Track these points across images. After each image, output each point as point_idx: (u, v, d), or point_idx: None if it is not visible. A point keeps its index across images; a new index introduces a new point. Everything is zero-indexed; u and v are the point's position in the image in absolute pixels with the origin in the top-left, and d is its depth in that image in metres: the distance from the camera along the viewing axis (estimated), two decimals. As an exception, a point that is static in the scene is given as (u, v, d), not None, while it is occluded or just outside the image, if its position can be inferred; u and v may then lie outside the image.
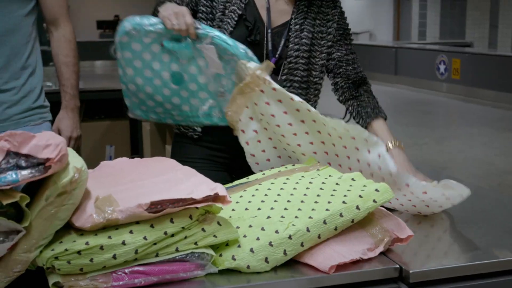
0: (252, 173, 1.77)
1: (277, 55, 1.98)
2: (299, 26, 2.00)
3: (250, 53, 1.79)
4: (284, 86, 1.95)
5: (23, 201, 1.19)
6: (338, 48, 2.05)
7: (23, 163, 1.19)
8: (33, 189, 1.26)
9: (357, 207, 1.40)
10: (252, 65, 1.73)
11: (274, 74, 1.98)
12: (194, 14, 2.01)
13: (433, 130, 8.58)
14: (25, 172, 1.18)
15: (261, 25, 2.00)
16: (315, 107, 2.05)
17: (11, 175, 1.17)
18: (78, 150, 2.30)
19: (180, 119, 1.97)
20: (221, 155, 2.06)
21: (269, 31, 1.99)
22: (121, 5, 16.53)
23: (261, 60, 1.93)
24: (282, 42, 1.99)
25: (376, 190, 1.45)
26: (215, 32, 1.80)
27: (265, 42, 1.99)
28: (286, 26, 2.01)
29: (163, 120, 2.00)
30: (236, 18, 1.98)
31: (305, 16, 2.01)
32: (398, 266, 1.37)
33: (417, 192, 1.63)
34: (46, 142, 1.20)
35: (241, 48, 1.79)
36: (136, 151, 4.49)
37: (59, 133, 2.25)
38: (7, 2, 2.09)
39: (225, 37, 1.81)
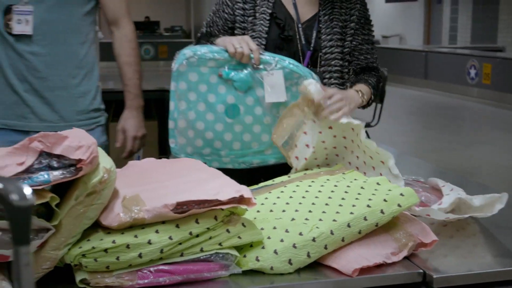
0: (279, 175, 1.79)
1: (311, 48, 2.01)
2: (328, 17, 2.04)
3: (314, 74, 1.85)
4: (323, 78, 1.98)
5: (53, 201, 1.22)
6: (355, 37, 2.07)
7: (55, 163, 1.22)
8: (63, 187, 1.29)
9: (382, 211, 1.41)
10: (311, 86, 1.75)
11: (312, 67, 2.02)
12: (232, 32, 2.06)
13: (462, 136, 8.50)
14: (56, 173, 1.21)
15: (291, 21, 2.04)
16: None
17: (43, 176, 1.20)
18: (140, 148, 2.34)
19: (227, 161, 1.93)
20: None
21: (300, 25, 2.03)
22: (152, 6, 16.72)
23: (296, 54, 1.99)
24: (314, 34, 2.03)
25: (401, 194, 1.45)
26: (279, 56, 1.84)
27: (297, 36, 2.02)
28: (315, 19, 2.05)
29: (208, 164, 1.94)
30: (268, 18, 2.03)
31: (332, 6, 2.05)
32: (421, 271, 1.37)
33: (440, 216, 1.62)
34: (78, 144, 1.23)
35: (306, 70, 1.85)
36: (164, 152, 4.52)
37: (125, 133, 2.28)
38: (69, 1, 2.14)
39: (288, 59, 1.85)
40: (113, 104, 4.31)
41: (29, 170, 1.22)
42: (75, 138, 1.26)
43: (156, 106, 4.67)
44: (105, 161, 1.31)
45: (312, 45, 2.03)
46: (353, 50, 2.07)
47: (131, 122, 2.28)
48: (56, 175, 1.21)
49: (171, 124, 1.90)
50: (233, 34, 2.04)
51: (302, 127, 1.80)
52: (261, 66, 1.84)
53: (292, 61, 1.86)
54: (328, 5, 2.05)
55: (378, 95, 2.32)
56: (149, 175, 1.51)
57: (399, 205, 1.43)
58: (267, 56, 1.85)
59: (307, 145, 1.78)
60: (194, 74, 1.84)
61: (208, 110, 1.86)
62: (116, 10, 2.27)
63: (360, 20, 2.08)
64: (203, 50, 1.84)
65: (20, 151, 1.26)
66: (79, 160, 1.22)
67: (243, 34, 2.03)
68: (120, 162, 1.73)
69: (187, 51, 1.84)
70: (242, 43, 1.82)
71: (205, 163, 1.89)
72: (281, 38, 2.03)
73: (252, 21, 2.03)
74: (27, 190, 0.66)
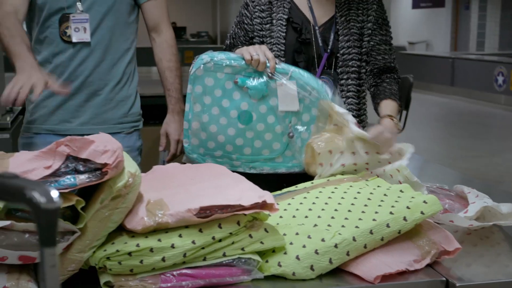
0: (302, 180, 1.79)
1: (328, 50, 2.03)
2: (345, 18, 2.05)
3: (326, 87, 1.87)
4: (341, 79, 2.00)
5: (79, 205, 1.25)
6: (372, 37, 2.07)
7: (81, 167, 1.24)
8: (88, 190, 1.31)
9: (404, 218, 1.41)
10: (339, 108, 1.79)
11: (329, 68, 2.04)
12: (254, 43, 2.09)
13: (489, 143, 8.40)
14: (82, 177, 1.23)
15: (308, 24, 2.06)
16: (365, 98, 2.12)
17: (69, 179, 1.22)
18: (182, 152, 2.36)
19: (238, 164, 1.95)
20: None
21: (317, 28, 2.04)
22: (178, 12, 16.83)
23: (313, 58, 2.02)
24: (332, 36, 2.05)
25: (424, 202, 1.45)
26: (293, 67, 1.88)
27: (314, 39, 2.03)
28: (332, 21, 2.07)
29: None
30: (284, 23, 2.05)
31: (348, 7, 2.07)
32: (444, 279, 1.37)
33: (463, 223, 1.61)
34: (104, 148, 1.25)
35: (319, 82, 1.88)
36: (189, 157, 4.56)
37: (167, 137, 2.31)
38: (118, 9, 2.21)
39: (302, 71, 1.88)
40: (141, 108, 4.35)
41: (56, 174, 1.25)
42: (101, 143, 1.28)
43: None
44: (130, 166, 1.33)
45: (329, 47, 2.04)
46: (370, 50, 2.07)
47: (173, 126, 2.31)
48: (82, 179, 1.23)
49: (185, 125, 1.96)
50: (254, 44, 2.06)
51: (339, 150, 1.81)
52: (276, 76, 1.86)
53: (307, 73, 1.89)
54: (345, 6, 2.07)
55: (403, 100, 2.32)
56: (173, 179, 1.53)
57: (422, 213, 1.42)
58: (283, 66, 1.88)
59: (342, 164, 1.79)
60: (210, 79, 1.88)
61: (221, 115, 1.90)
62: (157, 17, 2.32)
63: (378, 21, 2.09)
64: (220, 56, 1.88)
65: (47, 155, 1.28)
66: (105, 164, 1.24)
67: (262, 42, 2.06)
68: (145, 166, 1.76)
69: (205, 56, 1.88)
70: (259, 51, 1.86)
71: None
72: (299, 42, 2.05)
73: (269, 28, 2.06)
74: (54, 193, 0.68)
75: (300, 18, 2.07)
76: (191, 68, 1.90)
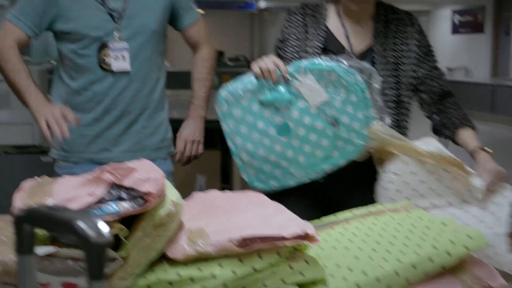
0: (340, 204, 1.79)
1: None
2: (382, 47, 2.04)
3: (342, 62, 1.85)
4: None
5: (122, 233, 1.26)
6: (422, 66, 2.07)
7: (124, 195, 1.25)
8: (129, 218, 1.32)
9: (448, 253, 1.38)
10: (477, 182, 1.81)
11: None
12: None
13: (531, 172, 8.23)
14: (126, 205, 1.24)
15: (344, 52, 2.04)
16: (406, 127, 2.09)
17: (112, 207, 1.24)
18: (196, 156, 2.39)
19: (301, 175, 1.95)
20: (312, 184, 2.08)
21: (353, 56, 2.03)
22: (217, 37, 16.99)
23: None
24: (370, 65, 2.03)
25: (468, 236, 1.42)
26: (304, 62, 1.88)
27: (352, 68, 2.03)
28: (369, 49, 2.05)
29: (285, 184, 1.97)
30: (319, 52, 2.05)
31: (385, 36, 2.06)
32: (489, 316, 1.34)
33: None
34: (147, 176, 1.26)
35: (331, 62, 1.86)
36: (226, 181, 4.57)
37: (183, 140, 2.35)
38: (156, 39, 2.26)
39: (312, 60, 1.88)
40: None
41: (99, 201, 1.26)
42: (144, 171, 1.30)
43: (220, 135, 4.74)
44: (172, 194, 1.34)
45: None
46: (424, 78, 2.06)
47: (187, 129, 2.36)
48: (125, 207, 1.25)
49: (237, 161, 1.98)
50: None
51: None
52: (291, 78, 1.87)
53: (317, 60, 1.88)
54: (381, 35, 2.06)
55: None
56: (214, 208, 1.53)
57: (466, 247, 1.40)
58: (294, 65, 1.88)
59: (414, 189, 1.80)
60: (237, 109, 1.91)
61: (262, 137, 1.92)
62: (197, 38, 2.41)
63: (423, 49, 2.08)
64: (235, 85, 1.91)
65: (91, 182, 1.30)
66: (148, 193, 1.25)
67: None
68: (182, 190, 1.76)
69: (224, 93, 1.92)
70: (266, 61, 1.87)
71: (282, 186, 1.96)
72: None
73: (303, 56, 2.05)
74: (104, 228, 0.69)
75: (336, 46, 2.06)
76: (216, 108, 1.94)
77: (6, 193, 3.43)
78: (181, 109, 5.37)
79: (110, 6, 2.17)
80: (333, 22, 2.09)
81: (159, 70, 2.31)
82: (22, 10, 2.15)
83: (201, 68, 2.41)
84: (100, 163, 2.17)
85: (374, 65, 2.03)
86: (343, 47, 2.07)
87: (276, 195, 1.79)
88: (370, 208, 1.75)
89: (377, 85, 1.87)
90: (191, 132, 2.36)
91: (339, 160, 1.93)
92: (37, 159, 3.35)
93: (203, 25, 2.42)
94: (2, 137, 3.58)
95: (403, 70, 2.06)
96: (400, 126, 2.06)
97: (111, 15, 2.17)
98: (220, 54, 16.03)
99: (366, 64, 1.87)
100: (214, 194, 1.66)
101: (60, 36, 2.21)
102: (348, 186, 2.05)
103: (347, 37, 2.07)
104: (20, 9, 2.16)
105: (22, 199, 1.28)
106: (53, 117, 1.92)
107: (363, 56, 2.06)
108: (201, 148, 2.40)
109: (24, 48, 2.19)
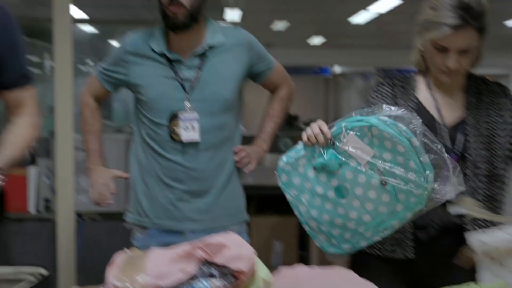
0: (435, 283, 1.72)
1: (458, 151, 1.96)
2: (475, 119, 1.98)
3: (382, 117, 1.80)
4: (468, 181, 1.91)
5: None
6: None
7: (215, 272, 1.24)
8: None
9: None
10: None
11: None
12: None
13: None
14: (217, 282, 1.23)
15: (435, 124, 2.00)
16: (501, 201, 2.00)
17: (203, 284, 1.23)
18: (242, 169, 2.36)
19: (371, 234, 1.88)
20: (404, 262, 2.01)
21: (445, 128, 1.98)
22: (299, 103, 17.17)
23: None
24: (461, 138, 1.98)
25: None
26: (344, 121, 1.85)
27: (443, 140, 1.97)
28: (461, 122, 2.00)
29: (358, 246, 1.91)
30: None
31: (477, 107, 2.00)
32: None
33: None
34: (238, 252, 1.25)
35: (373, 118, 1.81)
36: (303, 248, 4.51)
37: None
38: (226, 110, 2.23)
39: (353, 118, 1.84)
40: (254, 199, 4.39)
41: (191, 277, 1.25)
42: (235, 247, 1.29)
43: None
44: (263, 271, 1.32)
45: (459, 149, 1.97)
46: None
47: (249, 148, 2.34)
48: (216, 285, 1.24)
49: (306, 228, 1.95)
50: None
51: None
52: (336, 140, 1.83)
53: (354, 118, 1.83)
54: (473, 106, 2.00)
55: None
56: (302, 286, 1.49)
57: None
58: (336, 126, 1.84)
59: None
60: (296, 178, 1.90)
61: (323, 201, 1.89)
62: (277, 82, 2.40)
63: None
64: (289, 154, 1.91)
65: (183, 258, 1.30)
66: (239, 271, 1.23)
67: None
68: (259, 256, 1.73)
69: (281, 163, 1.90)
70: (312, 126, 1.85)
71: (354, 248, 1.90)
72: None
73: None
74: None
75: (427, 118, 2.01)
76: (278, 180, 1.91)
77: (92, 259, 3.48)
78: (258, 175, 5.41)
79: (182, 76, 2.17)
80: (423, 94, 2.06)
81: (233, 142, 2.29)
82: (107, 65, 2.26)
83: (275, 105, 2.41)
84: (179, 231, 2.18)
85: (467, 138, 1.98)
86: (434, 119, 2.03)
87: (368, 269, 1.74)
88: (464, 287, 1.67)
89: (419, 129, 1.80)
90: (249, 152, 2.33)
91: (405, 213, 1.86)
92: (121, 225, 3.41)
93: (280, 67, 2.40)
94: (87, 203, 3.68)
95: (498, 143, 1.99)
96: (495, 200, 1.98)
97: (182, 86, 2.17)
98: (294, 118, 16.17)
99: (404, 112, 1.82)
100: (302, 270, 1.62)
101: (136, 100, 2.25)
102: (442, 263, 1.97)
103: (438, 109, 2.03)
104: (105, 64, 2.26)
105: (115, 275, 1.29)
106: (106, 182, 2.26)
107: (455, 128, 2.01)
108: (250, 167, 2.35)
109: (105, 112, 2.34)
